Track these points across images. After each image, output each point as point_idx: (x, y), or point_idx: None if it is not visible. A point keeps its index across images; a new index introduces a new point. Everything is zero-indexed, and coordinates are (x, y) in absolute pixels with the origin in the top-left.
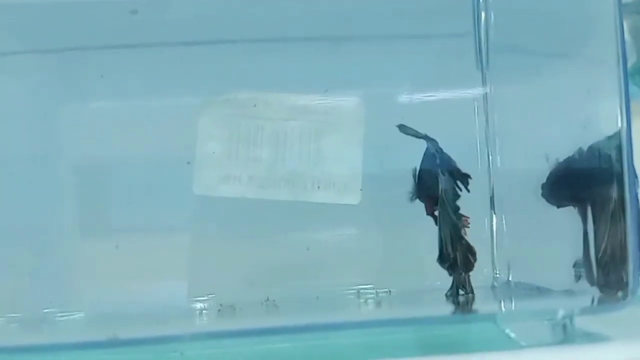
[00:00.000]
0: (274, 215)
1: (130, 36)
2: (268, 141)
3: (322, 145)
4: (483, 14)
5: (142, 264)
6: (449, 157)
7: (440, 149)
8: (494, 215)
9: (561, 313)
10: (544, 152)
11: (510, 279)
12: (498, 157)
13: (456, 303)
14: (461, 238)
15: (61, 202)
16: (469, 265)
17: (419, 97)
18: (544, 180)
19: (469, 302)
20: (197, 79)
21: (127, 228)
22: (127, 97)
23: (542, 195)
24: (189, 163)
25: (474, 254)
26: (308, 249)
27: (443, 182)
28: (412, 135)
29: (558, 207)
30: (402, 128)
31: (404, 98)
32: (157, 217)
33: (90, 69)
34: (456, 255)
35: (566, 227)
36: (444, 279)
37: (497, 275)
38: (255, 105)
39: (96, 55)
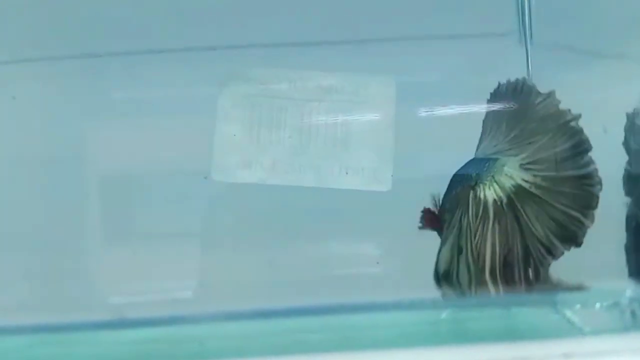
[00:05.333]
0: (297, 205)
1: (153, 41)
2: (292, 123)
3: (350, 128)
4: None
5: (161, 267)
6: None
7: None
8: None
9: (628, 293)
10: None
11: None
12: None
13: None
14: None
15: (85, 206)
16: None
17: (456, 96)
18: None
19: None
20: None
21: (146, 233)
22: (150, 103)
23: None
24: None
25: None
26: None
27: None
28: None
29: None
30: None
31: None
32: (177, 221)
33: (112, 75)
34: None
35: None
36: None
37: None
38: (277, 85)
39: (119, 61)
